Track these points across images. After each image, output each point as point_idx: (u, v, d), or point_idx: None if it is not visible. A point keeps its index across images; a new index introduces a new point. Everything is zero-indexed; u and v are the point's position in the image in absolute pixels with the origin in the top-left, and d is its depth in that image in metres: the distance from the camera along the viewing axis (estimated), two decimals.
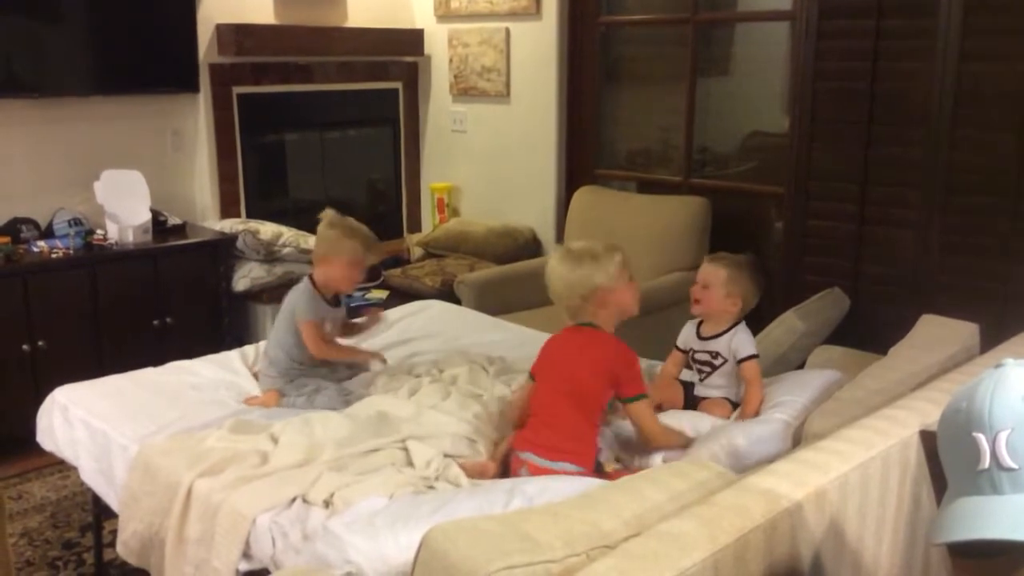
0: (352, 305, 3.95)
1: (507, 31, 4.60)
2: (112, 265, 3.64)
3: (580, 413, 2.20)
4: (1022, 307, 3.03)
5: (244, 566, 2.00)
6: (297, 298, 2.72)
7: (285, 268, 4.07)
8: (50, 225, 3.76)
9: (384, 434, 2.29)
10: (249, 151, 4.42)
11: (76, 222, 3.78)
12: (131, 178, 3.79)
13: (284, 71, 4.46)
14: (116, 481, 2.40)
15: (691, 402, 2.57)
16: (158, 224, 3.90)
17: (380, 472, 2.11)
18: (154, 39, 3.96)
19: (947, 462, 1.04)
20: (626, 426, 2.36)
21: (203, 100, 4.19)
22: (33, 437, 2.69)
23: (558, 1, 4.39)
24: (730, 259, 2.52)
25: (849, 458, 1.51)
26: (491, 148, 4.81)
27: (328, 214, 2.80)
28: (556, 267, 2.27)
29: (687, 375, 2.66)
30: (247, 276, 4.00)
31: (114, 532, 2.42)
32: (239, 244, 4.01)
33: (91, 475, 2.50)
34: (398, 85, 5.00)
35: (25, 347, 3.41)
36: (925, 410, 1.70)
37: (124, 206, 3.75)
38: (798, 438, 2.09)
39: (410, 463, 2.18)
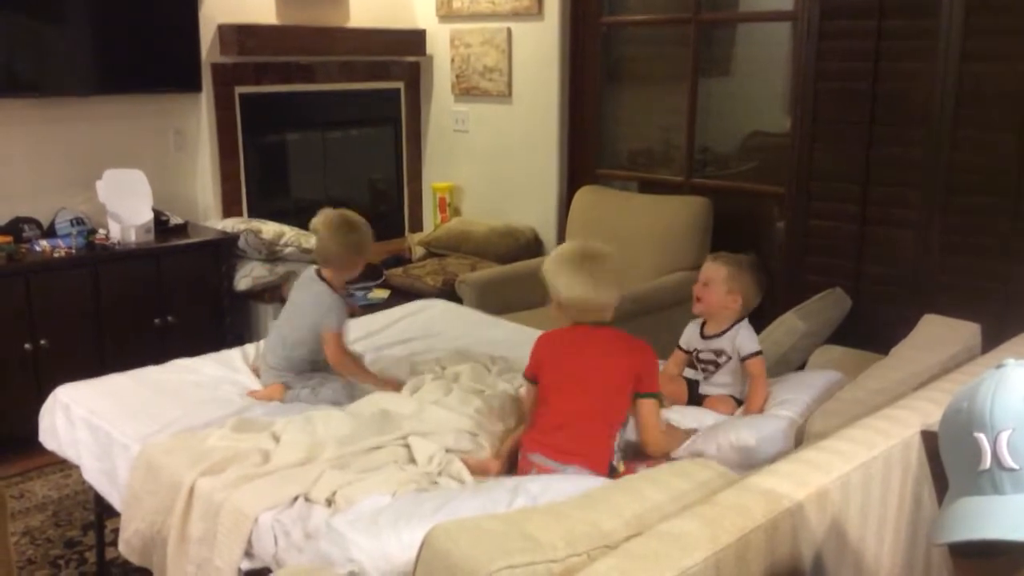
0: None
1: (509, 31, 4.60)
2: (114, 264, 3.64)
3: (599, 416, 2.14)
4: (1023, 307, 3.03)
5: (246, 565, 2.00)
6: (320, 303, 2.70)
7: (287, 267, 4.07)
8: (52, 224, 3.76)
9: (386, 431, 2.29)
10: (251, 151, 4.43)
11: (78, 221, 3.78)
12: (133, 178, 3.79)
13: (286, 71, 4.46)
14: (118, 480, 2.40)
15: (695, 400, 2.58)
16: (160, 223, 3.90)
17: (382, 470, 2.11)
18: (156, 39, 3.96)
19: (948, 462, 1.04)
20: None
21: (205, 100, 4.19)
22: (35, 436, 2.69)
23: (560, 1, 4.39)
24: (732, 257, 2.54)
25: (851, 458, 1.51)
26: (493, 148, 4.81)
27: (327, 215, 2.78)
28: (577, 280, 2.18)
29: (690, 373, 2.67)
30: (249, 275, 4.00)
31: (116, 531, 2.42)
32: (241, 243, 4.01)
33: (93, 474, 2.50)
34: (400, 85, 5.00)
35: (27, 346, 3.42)
36: (926, 410, 1.70)
37: (126, 205, 3.76)
38: (800, 438, 2.09)
39: (412, 460, 2.18)
